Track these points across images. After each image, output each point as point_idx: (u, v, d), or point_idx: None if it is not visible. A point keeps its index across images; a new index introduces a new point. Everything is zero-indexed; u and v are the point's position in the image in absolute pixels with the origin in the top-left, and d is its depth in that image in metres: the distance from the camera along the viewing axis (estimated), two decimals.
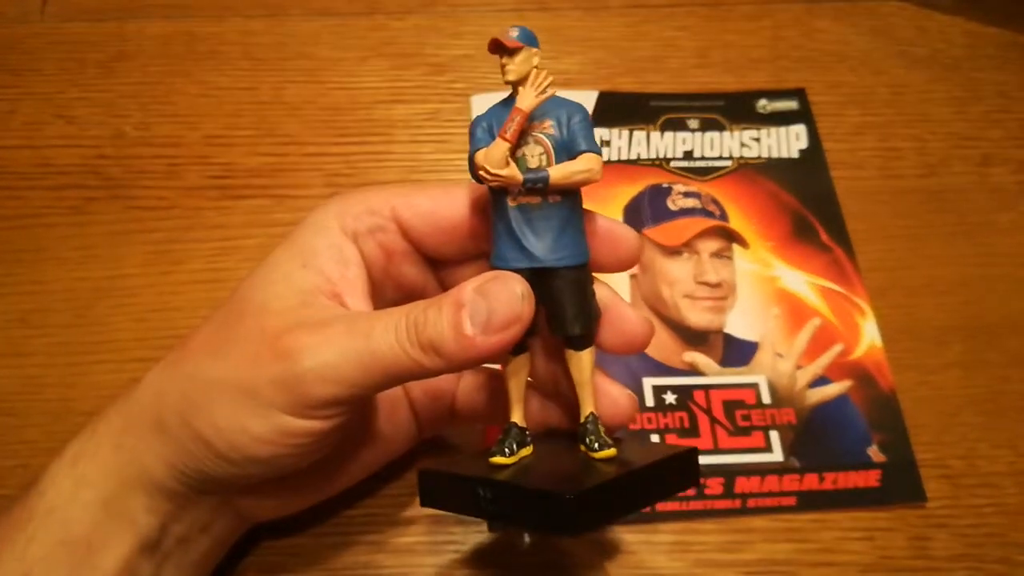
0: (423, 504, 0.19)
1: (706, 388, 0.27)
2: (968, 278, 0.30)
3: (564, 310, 0.18)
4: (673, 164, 0.32)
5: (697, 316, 0.28)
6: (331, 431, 0.18)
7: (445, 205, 0.20)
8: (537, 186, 0.17)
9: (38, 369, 0.27)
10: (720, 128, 0.33)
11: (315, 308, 0.18)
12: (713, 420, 0.26)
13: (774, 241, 0.30)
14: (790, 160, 0.32)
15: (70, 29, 0.35)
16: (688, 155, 0.32)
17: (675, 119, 0.33)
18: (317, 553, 0.24)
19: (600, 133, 0.33)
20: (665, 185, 0.31)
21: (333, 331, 0.17)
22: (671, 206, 0.31)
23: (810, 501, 0.25)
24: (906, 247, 0.31)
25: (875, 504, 0.25)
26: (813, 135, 0.33)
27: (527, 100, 0.17)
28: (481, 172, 0.17)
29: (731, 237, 0.30)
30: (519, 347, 0.18)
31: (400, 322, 0.17)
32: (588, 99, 0.33)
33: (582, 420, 0.19)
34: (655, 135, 0.33)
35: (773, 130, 0.33)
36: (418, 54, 0.35)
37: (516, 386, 0.19)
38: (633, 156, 0.32)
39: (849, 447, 0.26)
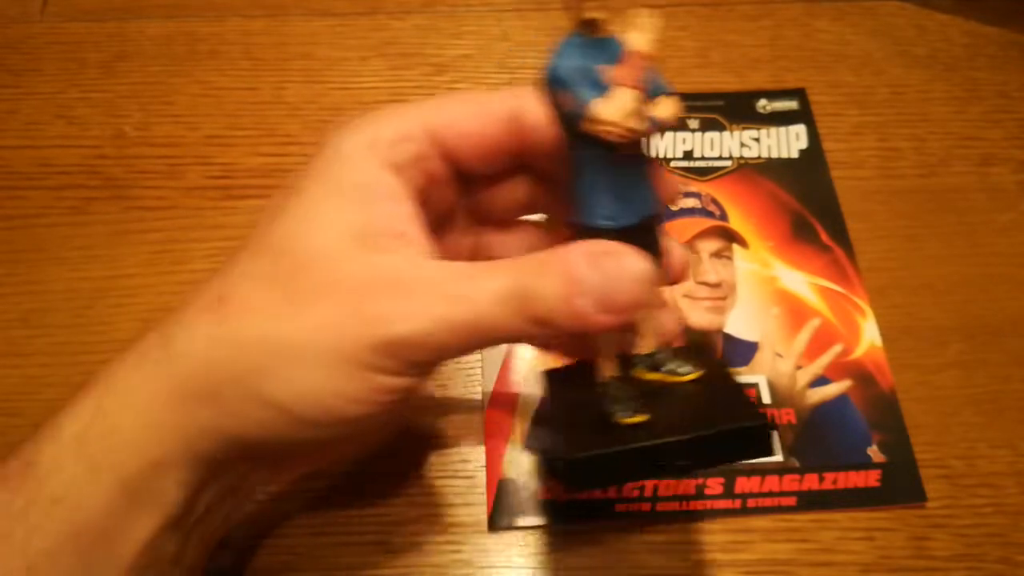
0: (574, 490, 0.18)
1: None
2: (968, 278, 0.30)
3: (658, 256, 0.17)
4: (673, 164, 0.32)
5: (697, 316, 0.28)
6: (423, 384, 0.17)
7: (486, 122, 0.18)
8: (653, 134, 0.16)
9: (39, 369, 0.27)
10: (720, 128, 0.33)
11: (388, 255, 0.17)
12: None
13: (774, 241, 0.30)
14: (790, 160, 0.32)
15: (71, 29, 0.35)
16: (688, 155, 0.32)
17: None
18: (317, 552, 0.24)
19: None
20: None
21: (428, 296, 0.16)
22: (671, 206, 0.31)
23: (810, 501, 0.25)
24: (906, 247, 0.31)
25: (875, 504, 0.25)
26: (813, 135, 0.33)
27: (645, 41, 0.15)
28: (607, 127, 0.15)
29: (731, 237, 0.30)
30: None
31: (507, 291, 0.16)
32: None
33: (646, 352, 0.19)
34: (655, 135, 0.33)
35: (773, 130, 0.33)
36: (418, 54, 0.35)
37: (606, 341, 0.18)
38: None
39: (849, 447, 0.26)
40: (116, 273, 0.29)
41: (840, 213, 0.31)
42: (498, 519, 0.24)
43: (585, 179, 0.17)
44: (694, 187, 0.31)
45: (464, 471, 0.25)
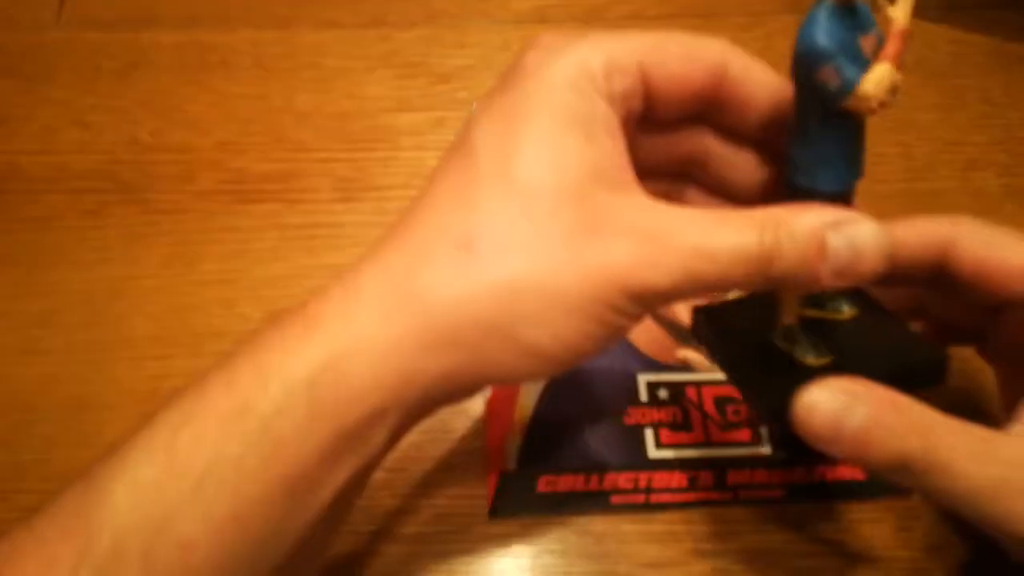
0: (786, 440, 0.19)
1: (698, 384, 0.28)
2: None
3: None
4: None
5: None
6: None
7: (694, 67, 0.17)
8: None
9: (55, 367, 0.28)
10: None
11: (624, 195, 0.16)
12: (705, 415, 0.27)
13: None
14: None
15: (85, 38, 0.37)
16: None
17: None
18: None
19: None
20: None
21: (677, 247, 0.15)
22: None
23: (799, 493, 0.26)
24: None
25: (862, 496, 0.26)
26: None
27: (907, 16, 0.15)
28: (871, 103, 0.15)
29: None
30: None
31: (750, 250, 0.15)
32: None
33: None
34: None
35: None
36: (422, 64, 0.36)
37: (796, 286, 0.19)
38: None
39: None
40: (130, 274, 0.30)
41: None
42: (499, 510, 0.25)
43: (823, 147, 0.17)
44: None
45: (466, 463, 0.26)
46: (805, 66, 0.16)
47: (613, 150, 0.16)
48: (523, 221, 0.16)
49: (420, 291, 0.16)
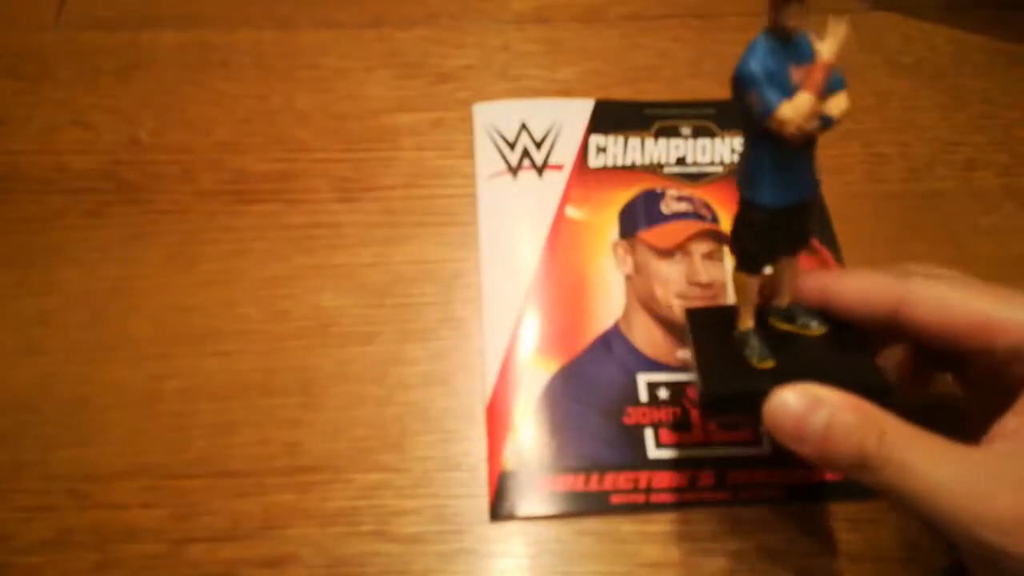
0: (708, 416, 0.23)
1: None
2: None
3: (808, 230, 0.21)
4: (666, 170, 0.33)
5: None
6: None
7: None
8: (826, 130, 0.18)
9: (55, 367, 0.28)
10: (711, 135, 0.34)
11: None
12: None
13: None
14: None
15: (85, 38, 0.37)
16: (681, 161, 0.33)
17: (668, 126, 0.34)
18: (320, 543, 0.25)
19: (596, 140, 0.34)
20: (659, 190, 0.32)
21: None
22: (664, 210, 0.32)
23: (799, 493, 0.26)
24: (891, 250, 0.32)
25: (862, 496, 0.26)
26: None
27: (832, 51, 0.17)
28: (788, 128, 0.17)
29: (722, 239, 0.31)
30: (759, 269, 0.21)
31: None
32: (585, 107, 0.35)
33: (784, 305, 0.22)
34: (649, 142, 0.34)
35: None
36: (422, 64, 0.36)
37: (748, 295, 0.22)
38: (628, 162, 0.33)
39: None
40: (130, 274, 0.30)
41: (827, 217, 0.32)
42: (499, 510, 0.25)
43: (755, 162, 0.19)
44: (687, 191, 0.32)
45: (466, 463, 0.26)
46: (736, 89, 0.18)
47: None
48: None
49: None
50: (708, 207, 0.32)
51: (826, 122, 0.18)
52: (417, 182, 0.33)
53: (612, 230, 0.31)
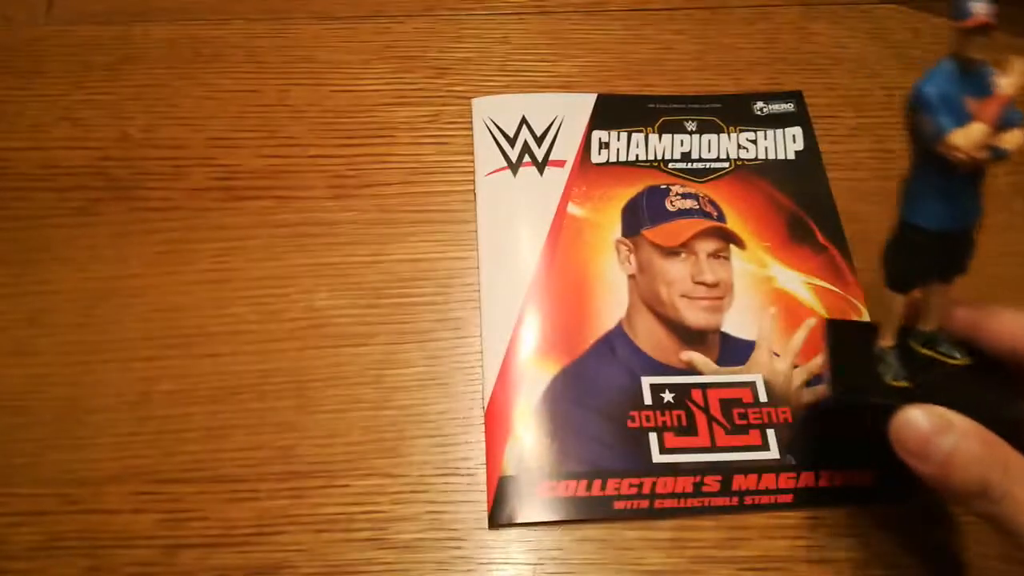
0: (832, 427, 0.23)
1: (703, 387, 0.27)
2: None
3: (964, 258, 0.21)
4: (671, 165, 0.32)
5: (694, 315, 0.29)
6: None
7: None
8: (996, 162, 0.19)
9: (45, 368, 0.27)
10: (717, 130, 0.33)
11: None
12: (710, 418, 0.26)
13: (771, 241, 0.31)
14: (786, 162, 0.33)
15: (75, 32, 0.36)
16: (686, 156, 0.33)
17: (673, 121, 0.33)
18: (318, 549, 0.24)
19: (599, 135, 0.33)
20: (663, 186, 0.32)
21: None
22: (669, 207, 0.31)
23: (806, 498, 0.25)
24: None
25: (870, 502, 0.25)
26: (809, 137, 0.33)
27: (1012, 86, 0.18)
28: (958, 154, 0.18)
29: (728, 238, 0.31)
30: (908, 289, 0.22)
31: None
32: (587, 102, 0.34)
33: (929, 330, 0.22)
34: (653, 137, 0.33)
35: (770, 132, 0.33)
36: (420, 57, 0.35)
37: (894, 316, 0.22)
38: (631, 158, 0.32)
39: (844, 445, 0.26)
40: (121, 273, 0.29)
41: (836, 214, 0.31)
42: (498, 516, 0.25)
43: (919, 183, 0.20)
44: (692, 189, 0.32)
45: (464, 468, 0.26)
46: (910, 108, 0.19)
47: None
48: None
49: None
50: (714, 204, 0.31)
51: (998, 154, 0.19)
52: (414, 179, 0.32)
53: (615, 228, 0.31)
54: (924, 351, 0.22)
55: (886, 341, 0.22)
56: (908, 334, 0.22)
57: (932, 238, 0.20)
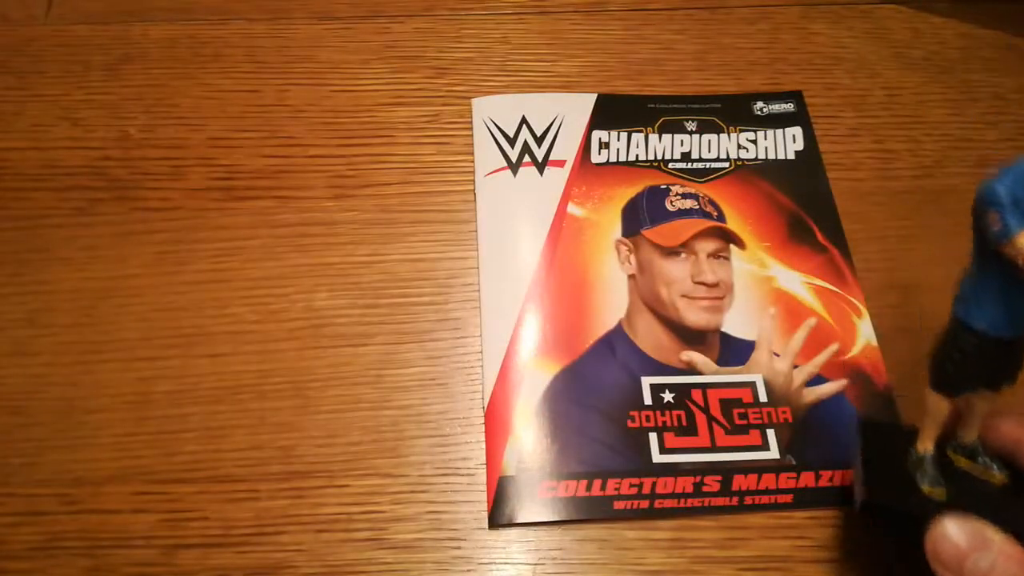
0: (864, 509, 0.21)
1: (703, 387, 0.27)
2: None
3: (1018, 369, 0.20)
4: (671, 165, 0.32)
5: (695, 316, 0.29)
6: None
7: None
8: None
9: (44, 368, 0.27)
10: (717, 130, 0.33)
11: None
12: (711, 418, 0.26)
13: (771, 242, 0.31)
14: (786, 162, 0.33)
15: (75, 32, 0.36)
16: (686, 156, 0.33)
17: (673, 121, 0.33)
18: (318, 549, 0.24)
19: (599, 135, 0.33)
20: (663, 186, 0.32)
21: None
22: (669, 207, 0.31)
23: (806, 498, 0.25)
24: (901, 247, 0.31)
25: None
26: (809, 137, 0.33)
27: None
28: (1022, 256, 0.17)
29: (728, 238, 0.31)
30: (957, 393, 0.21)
31: None
32: (587, 102, 0.34)
33: (969, 441, 0.22)
34: (653, 137, 0.33)
35: (770, 132, 0.33)
36: (419, 57, 0.35)
37: (937, 420, 0.21)
38: (631, 158, 0.32)
39: (845, 445, 0.26)
40: (120, 273, 0.29)
41: (836, 214, 0.31)
42: (498, 516, 0.25)
43: (978, 284, 0.19)
44: (692, 189, 0.32)
45: (464, 468, 0.26)
46: (978, 205, 0.18)
47: None
48: None
49: None
50: (714, 204, 0.31)
51: None
52: (414, 179, 0.32)
53: (615, 228, 0.31)
54: (962, 462, 0.22)
55: (926, 445, 0.21)
56: (946, 442, 0.22)
57: (987, 343, 0.19)
